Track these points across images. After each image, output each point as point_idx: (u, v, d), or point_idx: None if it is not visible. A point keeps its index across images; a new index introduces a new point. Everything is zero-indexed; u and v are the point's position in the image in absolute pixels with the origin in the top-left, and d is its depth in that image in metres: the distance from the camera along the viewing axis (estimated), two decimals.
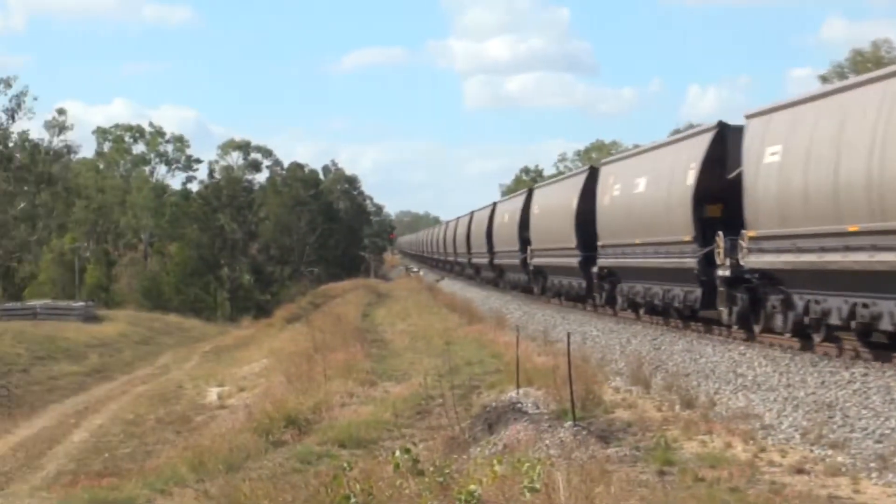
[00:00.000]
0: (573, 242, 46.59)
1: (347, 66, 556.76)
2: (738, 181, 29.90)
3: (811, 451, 18.26)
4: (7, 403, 50.64)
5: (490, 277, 76.76)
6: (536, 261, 56.54)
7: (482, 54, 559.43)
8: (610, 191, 41.42)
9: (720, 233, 30.98)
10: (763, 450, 18.37)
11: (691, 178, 32.89)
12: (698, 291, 33.06)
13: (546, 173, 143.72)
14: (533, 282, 59.28)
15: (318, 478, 16.60)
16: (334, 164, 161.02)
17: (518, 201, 64.13)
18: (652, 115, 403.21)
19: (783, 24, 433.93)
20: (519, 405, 23.21)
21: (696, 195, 32.58)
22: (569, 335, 23.36)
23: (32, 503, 21.04)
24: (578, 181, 48.03)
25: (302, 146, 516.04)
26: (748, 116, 30.36)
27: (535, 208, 57.53)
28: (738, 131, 30.95)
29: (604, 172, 44.05)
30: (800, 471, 16.70)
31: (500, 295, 66.34)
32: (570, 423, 20.20)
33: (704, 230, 32.19)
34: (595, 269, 44.09)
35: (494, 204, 76.46)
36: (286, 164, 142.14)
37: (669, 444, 18.70)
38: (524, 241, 59.47)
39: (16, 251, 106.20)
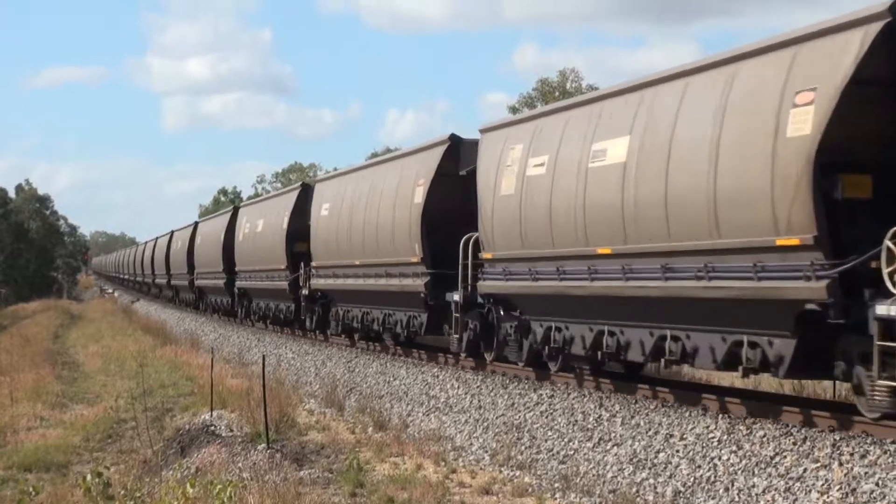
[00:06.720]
0: (221, 267, 55.55)
1: (44, 81, 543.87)
2: None
3: (500, 471, 18.73)
4: None
5: (170, 296, 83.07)
6: (199, 282, 65.07)
7: (182, 73, 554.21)
8: (243, 228, 51.19)
9: (303, 263, 39.70)
10: (454, 471, 18.73)
11: (285, 222, 42.16)
12: (292, 306, 42.34)
13: (245, 195, 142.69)
14: (199, 300, 67.20)
15: (2, 503, 16.18)
16: (27, 182, 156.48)
17: (187, 231, 71.38)
18: (351, 139, 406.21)
19: (480, 51, 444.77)
20: (212, 428, 23.09)
21: (288, 235, 41.71)
22: (264, 357, 23.38)
23: None
24: (225, 219, 57.64)
25: None
26: (315, 182, 41.88)
27: (198, 239, 65.78)
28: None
29: (240, 213, 54.29)
30: (488, 491, 17.11)
31: (196, 317, 66.01)
32: (263, 445, 20.22)
33: (295, 261, 41.01)
34: (236, 289, 52.87)
35: (172, 232, 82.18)
36: None
37: (362, 466, 18.89)
38: (191, 265, 67.19)
39: None
